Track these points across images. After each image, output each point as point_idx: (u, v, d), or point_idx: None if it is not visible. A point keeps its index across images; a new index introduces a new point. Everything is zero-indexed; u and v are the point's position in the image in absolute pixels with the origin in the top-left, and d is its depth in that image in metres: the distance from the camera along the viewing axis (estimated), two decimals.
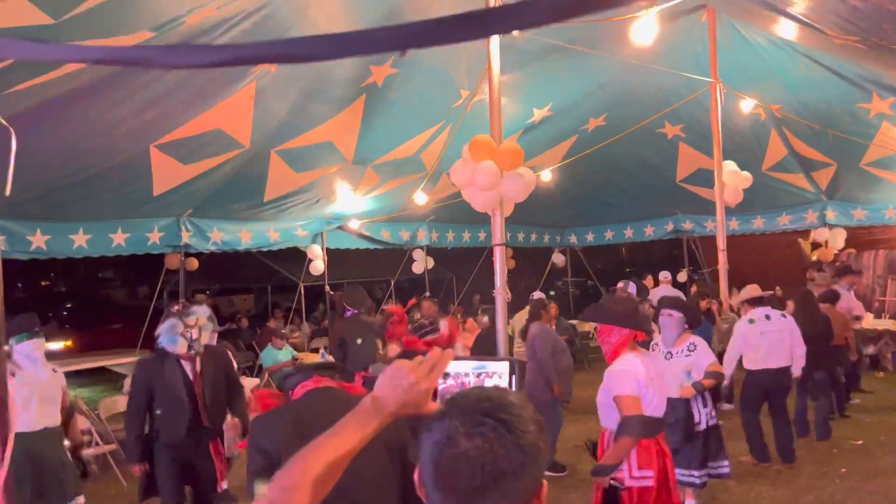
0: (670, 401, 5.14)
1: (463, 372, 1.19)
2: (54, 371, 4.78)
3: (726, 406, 7.80)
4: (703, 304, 8.01)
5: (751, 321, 6.29)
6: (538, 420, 0.96)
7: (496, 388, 0.99)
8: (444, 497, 0.93)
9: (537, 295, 9.23)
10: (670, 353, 5.05)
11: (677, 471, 4.79)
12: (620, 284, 9.05)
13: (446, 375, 1.18)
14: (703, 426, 4.92)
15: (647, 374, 3.42)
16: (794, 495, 5.51)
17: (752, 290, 6.50)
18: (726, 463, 5.03)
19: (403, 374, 1.18)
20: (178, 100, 5.63)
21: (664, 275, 10.93)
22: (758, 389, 6.23)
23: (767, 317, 6.26)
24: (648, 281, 11.12)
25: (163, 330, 4.40)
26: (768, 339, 6.16)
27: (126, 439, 4.51)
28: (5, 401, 1.19)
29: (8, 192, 1.14)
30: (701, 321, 5.92)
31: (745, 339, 6.25)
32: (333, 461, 1.10)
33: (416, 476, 1.00)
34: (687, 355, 4.99)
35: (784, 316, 6.36)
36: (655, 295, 8.97)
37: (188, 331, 4.34)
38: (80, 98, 4.95)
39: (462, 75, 7.07)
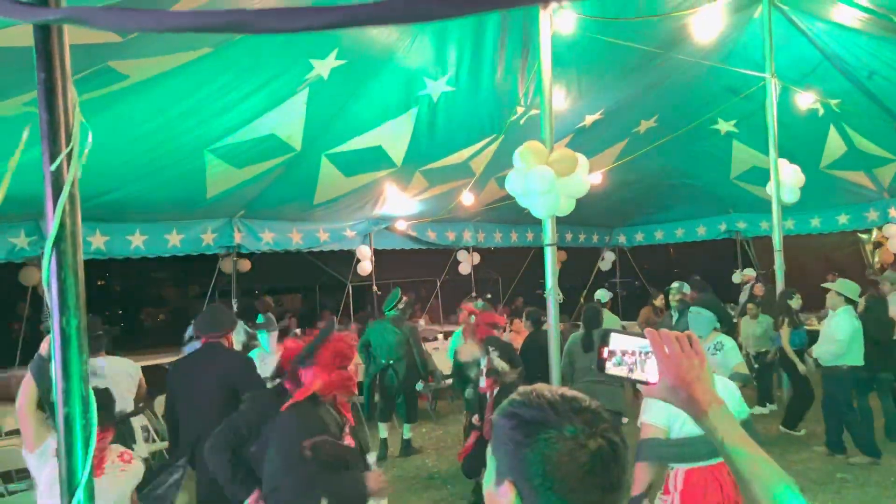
0: None
1: (629, 349, 1.18)
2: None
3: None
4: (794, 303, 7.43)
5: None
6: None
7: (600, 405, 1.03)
8: (586, 494, 0.96)
9: (605, 295, 9.16)
10: None
11: None
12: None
13: (612, 353, 1.18)
14: None
15: None
16: None
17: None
18: None
19: (687, 362, 1.13)
20: (233, 105, 5.72)
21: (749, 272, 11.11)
22: (841, 385, 6.42)
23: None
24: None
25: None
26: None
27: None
28: (87, 399, 1.22)
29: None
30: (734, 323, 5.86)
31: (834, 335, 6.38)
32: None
33: (505, 488, 0.97)
34: (713, 353, 4.80)
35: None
36: None
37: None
38: (139, 104, 5.08)
39: (521, 93, 7.00)
